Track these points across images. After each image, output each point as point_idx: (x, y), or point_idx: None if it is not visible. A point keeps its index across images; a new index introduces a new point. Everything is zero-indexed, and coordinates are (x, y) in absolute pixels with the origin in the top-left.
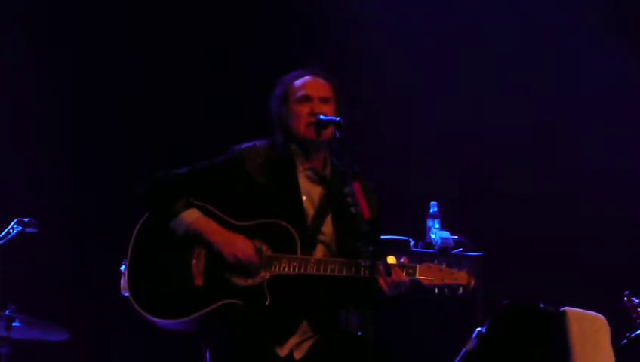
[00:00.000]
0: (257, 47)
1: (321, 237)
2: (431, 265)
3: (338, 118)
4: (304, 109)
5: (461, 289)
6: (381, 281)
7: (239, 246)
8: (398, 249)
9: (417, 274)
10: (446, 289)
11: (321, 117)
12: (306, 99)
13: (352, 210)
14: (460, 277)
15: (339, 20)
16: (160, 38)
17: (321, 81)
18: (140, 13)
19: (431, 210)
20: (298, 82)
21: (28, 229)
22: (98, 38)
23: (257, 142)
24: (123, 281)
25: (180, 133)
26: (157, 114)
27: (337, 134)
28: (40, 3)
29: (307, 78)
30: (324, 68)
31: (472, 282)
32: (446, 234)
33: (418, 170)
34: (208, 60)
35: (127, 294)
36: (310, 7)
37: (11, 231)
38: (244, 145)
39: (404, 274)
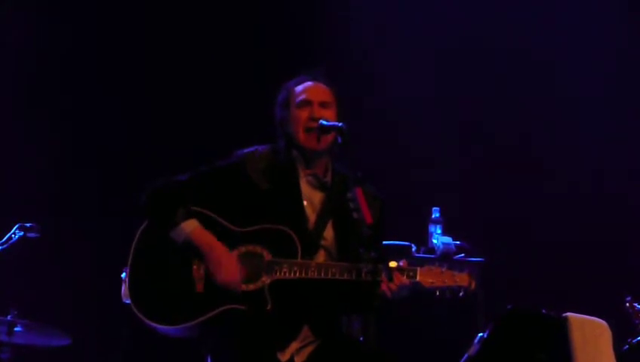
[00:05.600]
0: (259, 49)
1: (323, 243)
2: (432, 267)
3: (341, 124)
4: (303, 114)
5: (462, 291)
6: (384, 286)
7: (224, 271)
8: (400, 254)
9: (418, 276)
10: (447, 292)
11: (323, 122)
12: (306, 103)
13: (354, 215)
14: (461, 279)
15: (339, 22)
16: (160, 40)
17: (321, 86)
18: (142, 14)
19: (433, 216)
20: (299, 87)
21: (30, 234)
22: (99, 39)
23: (259, 147)
24: (124, 288)
25: (181, 135)
26: (158, 116)
27: (339, 140)
28: (40, 3)
29: (308, 83)
30: (324, 71)
31: (473, 284)
32: (448, 239)
33: (420, 175)
34: (210, 62)
35: (128, 301)
36: (311, 9)
37: (13, 236)
38: (245, 150)
39: (405, 277)
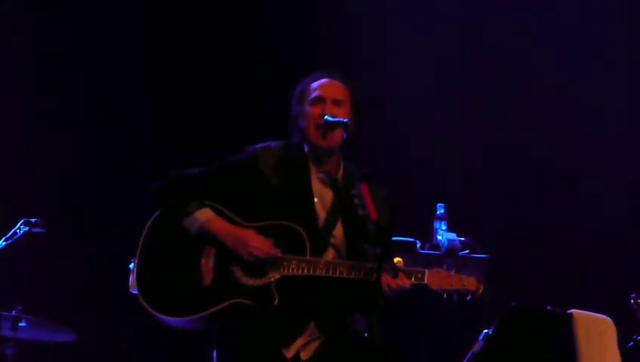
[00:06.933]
0: (259, 48)
1: (332, 241)
2: (440, 270)
3: (345, 120)
4: (315, 111)
5: (470, 295)
6: (385, 286)
7: (254, 243)
8: (404, 250)
9: (426, 279)
10: (455, 295)
11: (328, 118)
12: (319, 100)
13: (359, 211)
14: (469, 283)
15: (339, 22)
16: (160, 40)
17: (336, 83)
18: (142, 14)
19: (438, 212)
20: (314, 84)
21: (35, 229)
22: (99, 39)
23: (272, 143)
24: (132, 278)
25: (182, 135)
26: (162, 112)
27: (345, 135)
28: (40, 3)
29: (323, 80)
30: (329, 69)
31: (481, 288)
32: (453, 235)
33: (425, 171)
34: (210, 62)
35: (135, 291)
36: (311, 9)
37: (18, 231)
38: (258, 146)
39: (413, 278)
